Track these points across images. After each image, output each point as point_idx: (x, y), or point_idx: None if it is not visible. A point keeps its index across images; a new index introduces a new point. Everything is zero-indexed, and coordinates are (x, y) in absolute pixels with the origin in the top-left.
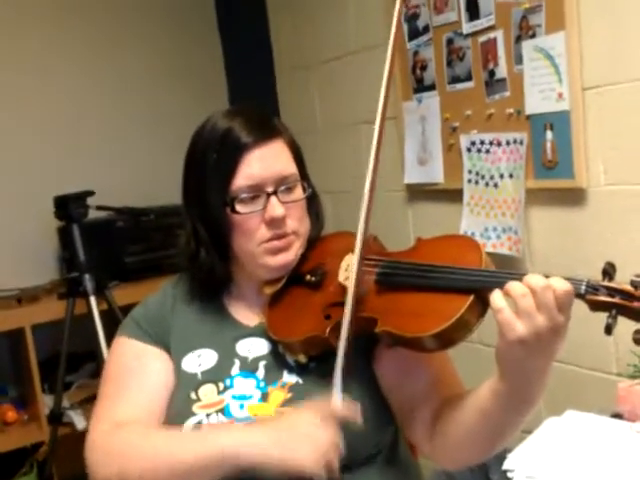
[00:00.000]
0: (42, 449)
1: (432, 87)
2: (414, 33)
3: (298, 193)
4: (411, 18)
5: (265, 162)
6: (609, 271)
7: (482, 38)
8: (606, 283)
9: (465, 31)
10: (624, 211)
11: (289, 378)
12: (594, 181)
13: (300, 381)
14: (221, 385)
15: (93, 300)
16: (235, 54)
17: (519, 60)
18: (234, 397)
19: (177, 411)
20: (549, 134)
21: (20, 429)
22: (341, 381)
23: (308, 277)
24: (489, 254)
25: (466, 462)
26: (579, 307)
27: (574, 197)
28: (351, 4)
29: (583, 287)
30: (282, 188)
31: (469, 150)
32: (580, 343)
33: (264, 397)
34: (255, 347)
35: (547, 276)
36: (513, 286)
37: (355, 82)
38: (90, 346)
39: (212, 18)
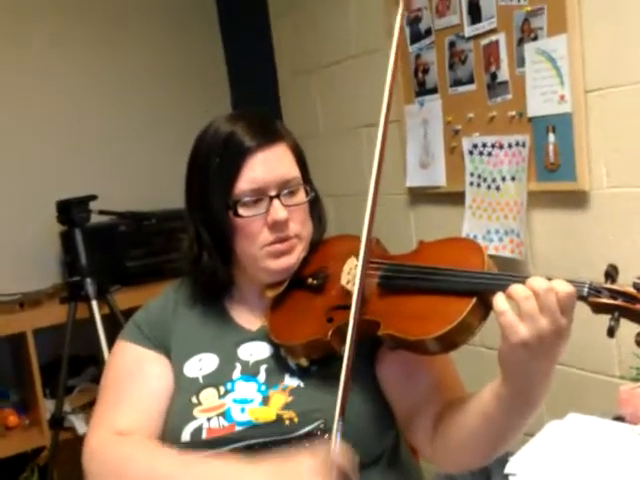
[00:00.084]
0: (43, 454)
1: (434, 90)
2: (416, 36)
3: (301, 196)
4: (413, 21)
5: (268, 166)
6: (611, 273)
7: (484, 41)
8: (608, 285)
9: (467, 34)
10: (626, 213)
11: (290, 382)
12: (596, 184)
13: (301, 384)
14: (222, 389)
15: (95, 304)
16: (237, 58)
17: (521, 63)
18: (235, 401)
19: (178, 415)
20: (551, 137)
21: (21, 434)
22: (340, 430)
23: (310, 280)
24: (491, 257)
25: (468, 465)
26: (582, 309)
27: (576, 200)
28: (352, 9)
29: (585, 289)
30: (285, 192)
31: (471, 153)
32: (582, 346)
33: (265, 400)
34: (257, 351)
35: (549, 279)
36: (516, 289)
37: (356, 86)
38: (92, 350)
39: (214, 23)
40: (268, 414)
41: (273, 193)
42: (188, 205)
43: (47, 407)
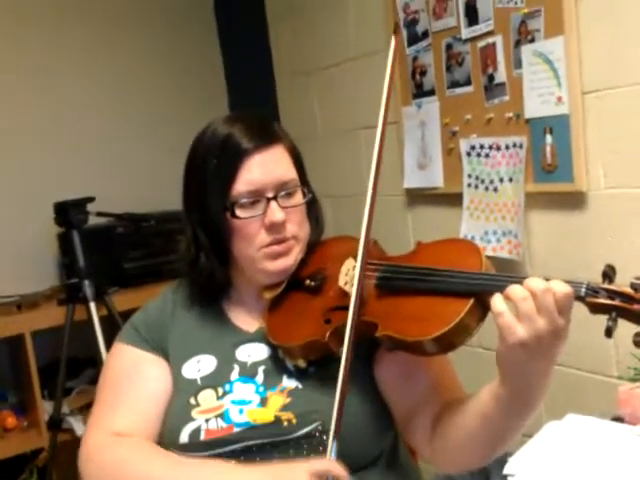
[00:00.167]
0: (42, 455)
1: (432, 92)
2: (413, 38)
3: (298, 198)
4: (410, 24)
5: (265, 167)
6: (609, 274)
7: (481, 43)
8: (606, 286)
9: (464, 36)
10: (624, 214)
11: (288, 383)
12: (594, 184)
13: (299, 386)
14: (220, 390)
15: (93, 306)
16: (235, 60)
17: (518, 65)
18: (233, 402)
19: (176, 416)
20: (549, 138)
21: (20, 435)
22: (334, 442)
23: (308, 282)
24: (489, 258)
25: (467, 466)
26: (579, 310)
27: (574, 201)
28: (351, 11)
29: (583, 290)
30: (282, 193)
31: (469, 154)
32: (580, 346)
33: (263, 402)
34: (255, 352)
35: (547, 279)
36: (513, 289)
37: (355, 88)
38: (90, 352)
39: (212, 25)
40: (266, 415)
41: (270, 195)
42: (185, 206)
43: (45, 409)
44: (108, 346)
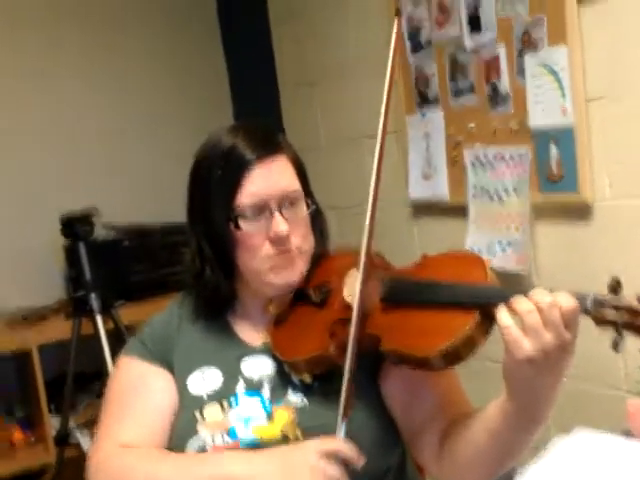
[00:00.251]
0: (49, 471)
1: (435, 101)
2: (416, 48)
3: (302, 210)
4: (413, 33)
5: (269, 179)
6: (615, 286)
7: (484, 52)
8: (612, 299)
9: (467, 45)
10: (630, 225)
11: (294, 397)
12: (599, 195)
13: (305, 400)
14: (226, 404)
15: (99, 319)
16: (239, 71)
17: (522, 74)
18: (239, 417)
19: (181, 431)
20: (553, 148)
21: (27, 450)
22: (343, 419)
23: (313, 295)
24: (495, 269)
25: None
26: (586, 322)
27: (579, 211)
28: (352, 20)
29: (589, 303)
30: (286, 205)
31: (473, 165)
32: (588, 358)
33: (269, 417)
34: (260, 366)
35: (552, 291)
36: (519, 303)
37: (358, 97)
38: (97, 366)
39: (216, 35)
40: (273, 432)
41: (274, 206)
42: (190, 218)
43: (53, 423)
44: (115, 360)
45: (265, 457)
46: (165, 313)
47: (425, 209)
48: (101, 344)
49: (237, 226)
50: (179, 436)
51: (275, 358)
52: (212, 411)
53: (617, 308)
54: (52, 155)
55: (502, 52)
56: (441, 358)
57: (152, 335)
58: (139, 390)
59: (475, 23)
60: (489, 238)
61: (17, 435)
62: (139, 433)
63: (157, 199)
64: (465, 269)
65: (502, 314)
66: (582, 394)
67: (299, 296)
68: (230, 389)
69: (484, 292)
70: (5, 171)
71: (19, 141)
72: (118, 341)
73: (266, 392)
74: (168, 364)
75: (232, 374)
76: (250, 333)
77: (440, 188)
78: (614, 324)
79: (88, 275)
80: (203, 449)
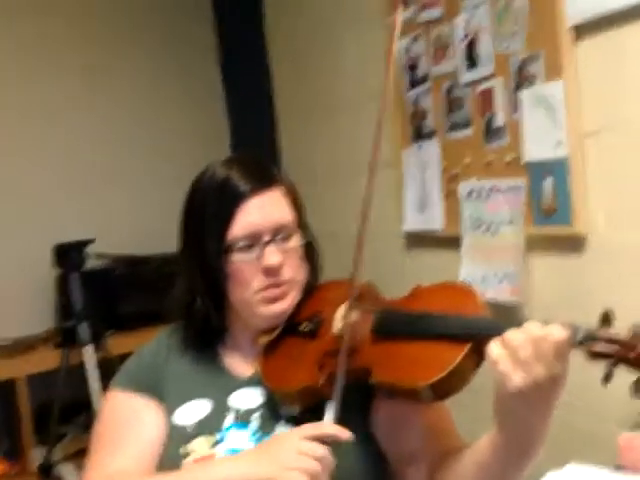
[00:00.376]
0: None
1: (432, 135)
2: (413, 82)
3: (295, 241)
4: (411, 68)
5: (262, 211)
6: (607, 319)
7: (481, 87)
8: (604, 332)
9: (464, 80)
10: (623, 258)
11: (284, 429)
12: (593, 228)
13: None
14: (214, 438)
15: (88, 349)
16: (237, 102)
17: (517, 108)
18: (227, 451)
19: (167, 465)
20: (548, 181)
21: None
22: (335, 405)
23: (303, 326)
24: (489, 301)
25: None
26: (578, 355)
27: (573, 244)
28: (352, 52)
29: (580, 336)
30: (279, 237)
31: (468, 197)
32: (579, 392)
33: None
34: (249, 398)
35: (545, 322)
36: (510, 336)
37: (355, 128)
38: (84, 397)
39: (216, 69)
40: None
41: (267, 238)
42: (182, 249)
43: (37, 455)
44: (103, 390)
45: (247, 457)
46: (153, 343)
47: (419, 240)
48: (89, 375)
49: (229, 258)
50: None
51: (265, 389)
52: (198, 444)
53: (609, 341)
54: (46, 184)
55: (498, 86)
56: (431, 390)
57: (140, 365)
58: (131, 423)
59: (472, 58)
60: (483, 270)
61: (0, 466)
62: (130, 466)
63: (151, 229)
64: (457, 301)
65: (493, 347)
66: (573, 428)
67: (290, 327)
68: (219, 422)
69: (476, 324)
70: (0, 202)
71: (12, 169)
72: (107, 372)
73: (255, 424)
74: (156, 394)
75: (221, 407)
76: (240, 364)
77: (435, 220)
78: (606, 357)
79: (78, 305)
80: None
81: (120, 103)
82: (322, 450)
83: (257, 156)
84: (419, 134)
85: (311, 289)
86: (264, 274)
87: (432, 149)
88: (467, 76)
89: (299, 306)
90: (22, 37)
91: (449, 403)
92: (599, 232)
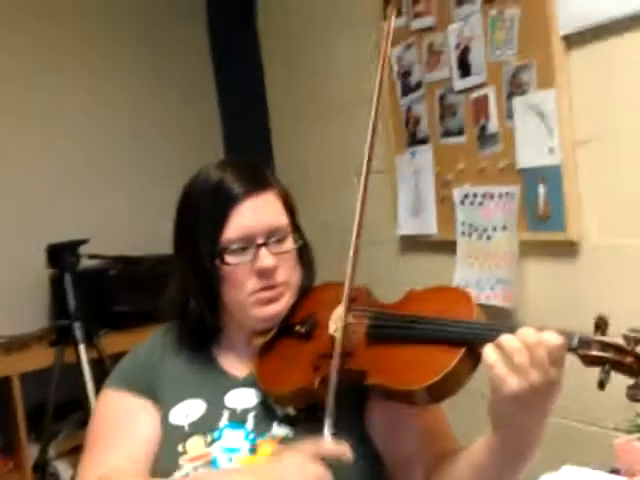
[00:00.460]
0: None
1: (425, 141)
2: (407, 89)
3: (289, 244)
4: (404, 75)
5: (256, 213)
6: (601, 325)
7: (474, 94)
8: (598, 338)
9: (457, 88)
10: (616, 264)
11: (279, 430)
12: (586, 234)
13: (290, 433)
14: (209, 437)
15: (82, 348)
16: (231, 105)
17: (510, 115)
18: (222, 449)
19: (164, 464)
20: (541, 187)
21: (4, 478)
22: (331, 419)
23: (298, 327)
24: (482, 305)
25: None
26: (574, 359)
27: (566, 250)
28: (344, 56)
29: (575, 342)
30: (272, 239)
31: (462, 203)
32: (574, 396)
33: (253, 449)
34: (244, 398)
35: (540, 329)
36: (505, 341)
37: (348, 132)
38: (78, 395)
39: (209, 71)
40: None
41: (260, 241)
42: (176, 251)
43: (31, 452)
44: (97, 389)
45: (251, 474)
46: (148, 342)
47: (413, 245)
48: (83, 373)
49: (223, 260)
50: (163, 471)
51: (260, 390)
52: (195, 444)
53: (603, 346)
54: (41, 184)
55: (491, 94)
56: (426, 393)
57: (135, 364)
58: (124, 422)
59: (465, 67)
60: (477, 275)
61: None
62: (124, 465)
63: (145, 230)
64: (452, 305)
65: (488, 351)
66: (569, 432)
67: (285, 328)
68: (214, 422)
69: (471, 328)
70: None
71: (8, 170)
72: (101, 371)
73: (250, 424)
74: (151, 394)
75: (216, 407)
76: (235, 365)
77: (428, 224)
78: (600, 362)
79: (72, 304)
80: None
81: (114, 104)
82: (323, 470)
83: (251, 159)
84: (413, 140)
85: (306, 291)
86: (258, 276)
87: (426, 155)
88: (460, 83)
89: (294, 308)
90: (21, 39)
91: (445, 405)
92: (592, 238)
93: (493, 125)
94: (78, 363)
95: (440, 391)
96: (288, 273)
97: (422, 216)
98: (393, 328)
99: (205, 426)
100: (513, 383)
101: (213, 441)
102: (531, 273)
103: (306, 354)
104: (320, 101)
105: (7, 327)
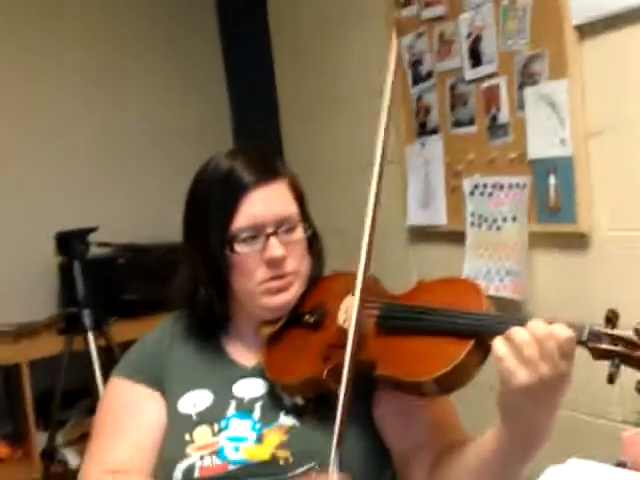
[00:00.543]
0: None
1: (435, 131)
2: (418, 79)
3: (298, 233)
4: (415, 64)
5: (266, 203)
6: (612, 318)
7: (485, 84)
8: (609, 331)
9: (468, 77)
10: (628, 256)
11: (286, 420)
12: (597, 226)
13: (297, 424)
14: (216, 426)
15: (91, 336)
16: (241, 96)
17: (521, 105)
18: (229, 439)
19: (171, 453)
20: (552, 179)
21: (13, 466)
22: (337, 457)
23: (307, 317)
24: (492, 297)
25: None
26: (582, 352)
27: (577, 242)
28: (355, 50)
29: (585, 334)
30: (282, 229)
31: (472, 193)
32: (583, 389)
33: (259, 439)
34: (252, 388)
35: (549, 321)
36: (515, 333)
37: (359, 124)
38: (87, 382)
39: (219, 62)
40: (262, 453)
41: (270, 230)
42: (186, 239)
43: (40, 439)
44: (105, 377)
45: None
46: (157, 331)
47: (423, 235)
48: (92, 361)
49: (233, 249)
50: (168, 458)
51: (268, 380)
52: (202, 433)
53: (614, 340)
54: (49, 173)
55: (502, 84)
56: (435, 385)
57: (143, 353)
58: (131, 411)
59: (476, 56)
60: (487, 266)
61: (3, 450)
62: (130, 454)
63: (156, 221)
64: (461, 296)
65: (497, 343)
66: (576, 424)
67: (294, 318)
68: (221, 411)
69: (480, 320)
70: (4, 190)
71: (16, 159)
72: (109, 359)
73: (257, 414)
74: (159, 383)
75: (224, 396)
76: (243, 354)
77: (438, 215)
78: (610, 356)
79: (81, 292)
80: (191, 470)
81: (123, 93)
82: None
83: (261, 146)
84: (423, 130)
85: (315, 281)
86: (267, 266)
87: (436, 145)
88: (471, 73)
89: (303, 297)
90: (24, 36)
91: (454, 397)
92: (603, 230)
93: (504, 115)
94: (87, 351)
95: (449, 383)
96: (297, 262)
97: (432, 206)
98: (402, 319)
99: (212, 415)
100: (522, 376)
101: (220, 430)
102: (541, 265)
103: (315, 344)
104: (330, 93)
105: (16, 315)
